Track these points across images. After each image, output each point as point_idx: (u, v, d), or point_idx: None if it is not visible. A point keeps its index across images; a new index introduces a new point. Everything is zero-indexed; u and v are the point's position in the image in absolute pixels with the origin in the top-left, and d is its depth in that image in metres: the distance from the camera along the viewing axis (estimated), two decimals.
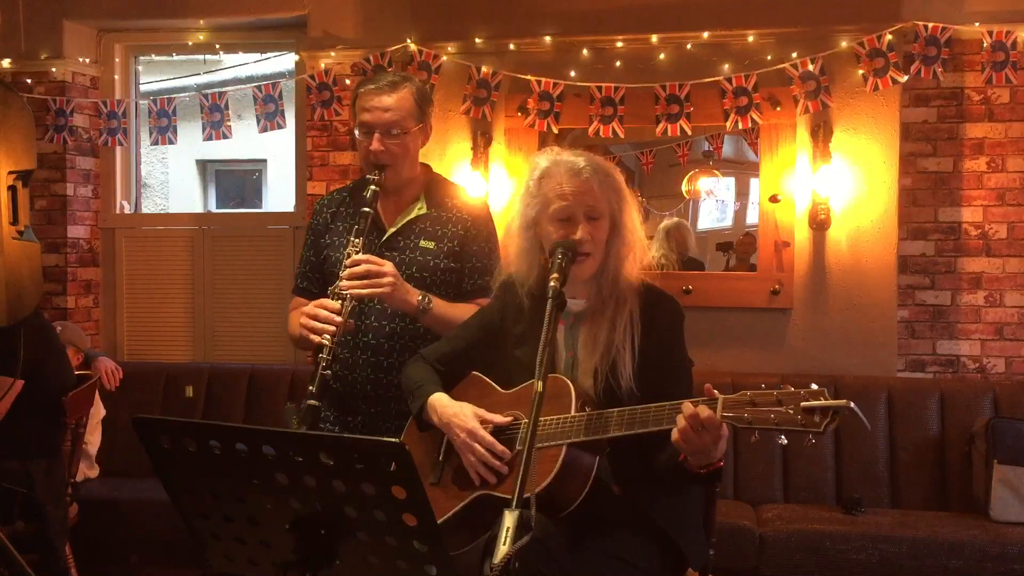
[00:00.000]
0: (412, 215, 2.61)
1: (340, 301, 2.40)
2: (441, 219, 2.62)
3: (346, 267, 2.42)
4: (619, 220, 2.17)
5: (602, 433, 2.01)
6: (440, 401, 2.26)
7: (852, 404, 1.78)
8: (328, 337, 2.35)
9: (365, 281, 2.38)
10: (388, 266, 2.43)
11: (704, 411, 1.87)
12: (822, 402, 1.80)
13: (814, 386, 1.84)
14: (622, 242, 2.17)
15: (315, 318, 2.39)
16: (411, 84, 2.59)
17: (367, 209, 2.49)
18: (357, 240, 2.46)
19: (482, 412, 2.20)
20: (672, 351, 2.19)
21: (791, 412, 1.82)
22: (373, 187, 2.50)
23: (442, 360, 2.39)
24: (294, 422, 2.32)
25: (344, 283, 2.40)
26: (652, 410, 1.98)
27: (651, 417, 1.97)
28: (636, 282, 2.19)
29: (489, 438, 2.14)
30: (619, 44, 4.55)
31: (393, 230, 2.59)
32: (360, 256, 2.43)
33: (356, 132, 2.57)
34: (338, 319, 2.37)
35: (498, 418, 2.18)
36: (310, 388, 2.32)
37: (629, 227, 2.18)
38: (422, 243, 2.58)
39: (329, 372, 2.34)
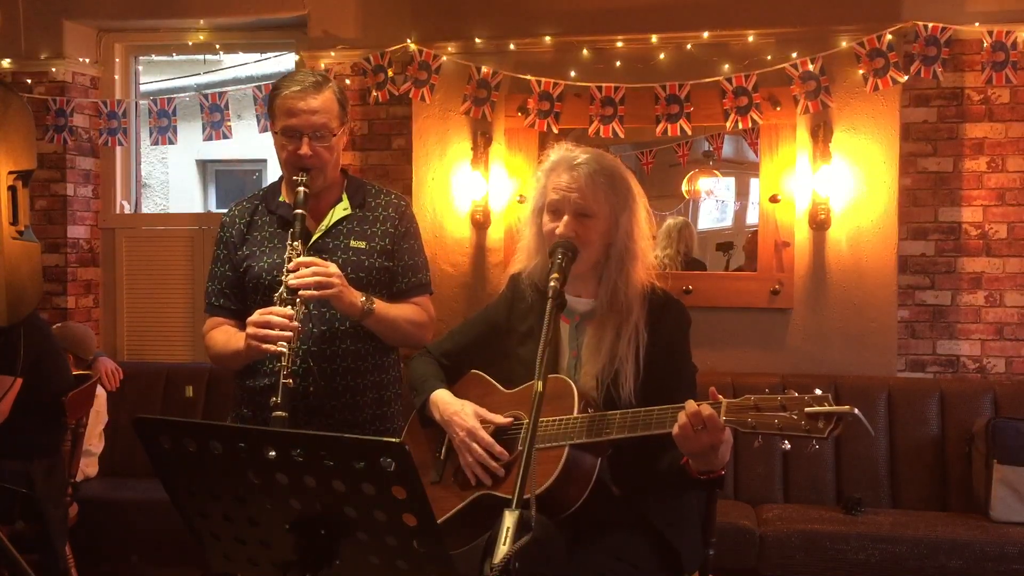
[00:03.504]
0: (337, 216, 2.55)
1: (290, 306, 2.32)
2: (368, 219, 2.57)
3: (288, 271, 2.35)
4: (620, 223, 2.16)
5: (604, 435, 2.01)
6: (442, 398, 2.26)
7: (856, 410, 1.77)
8: (285, 344, 2.29)
9: (314, 280, 2.33)
10: (333, 267, 2.38)
11: (706, 409, 1.87)
12: (826, 408, 1.80)
13: (818, 391, 1.83)
14: (624, 247, 2.16)
15: (267, 326, 2.31)
16: (333, 83, 2.52)
17: (300, 211, 2.42)
18: (296, 244, 2.39)
19: (483, 412, 2.20)
20: (676, 355, 2.19)
21: (795, 417, 1.82)
22: (303, 189, 2.42)
23: (448, 355, 2.40)
24: None
25: (294, 282, 2.33)
26: (655, 413, 1.97)
27: (653, 420, 1.97)
28: (642, 287, 2.18)
29: (488, 438, 2.14)
30: (619, 44, 4.55)
31: (320, 232, 2.53)
32: (304, 259, 2.36)
33: (279, 136, 2.49)
34: (295, 324, 2.31)
35: (499, 418, 2.18)
36: (274, 400, 2.26)
37: (635, 235, 2.17)
38: (352, 243, 2.53)
39: (291, 381, 2.28)
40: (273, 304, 2.35)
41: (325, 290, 2.34)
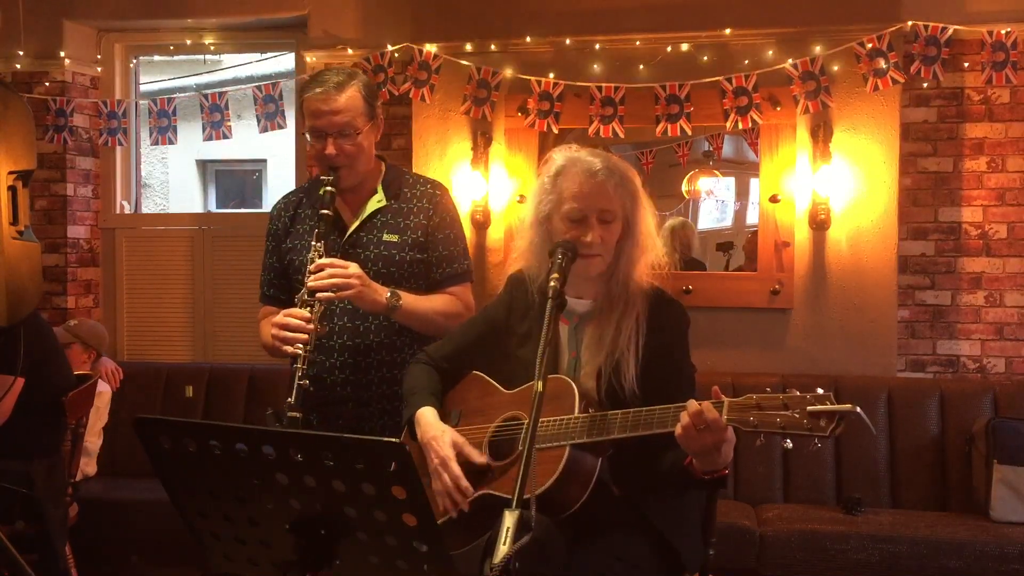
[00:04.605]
0: (371, 209, 2.58)
1: (308, 308, 2.36)
2: (402, 211, 2.59)
3: (310, 273, 2.39)
4: (632, 223, 2.16)
5: (605, 435, 2.01)
6: (425, 418, 2.22)
7: (858, 409, 1.78)
8: (301, 346, 2.33)
9: (331, 282, 2.35)
10: (353, 267, 2.39)
11: (709, 409, 1.87)
12: (828, 407, 1.80)
13: (820, 390, 1.84)
14: (634, 245, 2.17)
15: (285, 328, 2.36)
16: (357, 81, 2.54)
17: (326, 211, 2.45)
18: (319, 244, 2.43)
19: (462, 442, 2.16)
20: (675, 356, 2.18)
21: (797, 416, 1.82)
22: (329, 189, 2.46)
23: (446, 358, 2.39)
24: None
25: (312, 284, 2.36)
26: (656, 412, 1.97)
27: (655, 419, 1.97)
28: (645, 285, 2.19)
29: (456, 471, 2.10)
30: (620, 44, 4.55)
31: (354, 227, 2.56)
32: (323, 260, 2.40)
33: (307, 136, 2.54)
34: (310, 327, 2.34)
35: (475, 455, 2.14)
36: (288, 400, 2.30)
37: (643, 231, 2.17)
38: (385, 237, 2.55)
39: (306, 382, 2.32)
40: (295, 304, 2.40)
41: (343, 291, 2.37)
